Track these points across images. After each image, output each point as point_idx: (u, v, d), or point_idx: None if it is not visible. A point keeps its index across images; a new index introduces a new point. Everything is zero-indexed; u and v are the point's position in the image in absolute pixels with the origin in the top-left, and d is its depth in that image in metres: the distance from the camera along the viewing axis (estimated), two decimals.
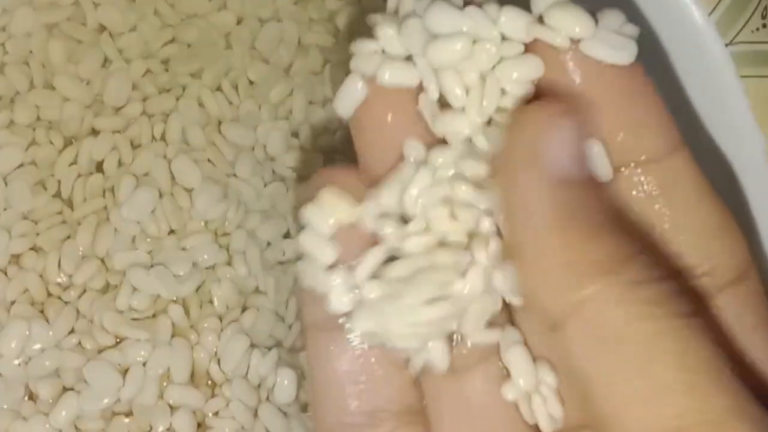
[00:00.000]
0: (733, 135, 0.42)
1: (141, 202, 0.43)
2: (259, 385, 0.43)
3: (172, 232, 0.43)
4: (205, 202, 0.43)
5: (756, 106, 0.41)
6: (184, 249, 0.43)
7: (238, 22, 0.47)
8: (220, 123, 0.45)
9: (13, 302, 0.41)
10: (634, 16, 0.43)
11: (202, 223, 0.43)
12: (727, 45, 0.43)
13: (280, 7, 0.47)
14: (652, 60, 0.44)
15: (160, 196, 0.43)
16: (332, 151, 0.46)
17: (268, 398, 0.42)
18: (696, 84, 0.43)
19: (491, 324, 0.29)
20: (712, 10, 0.45)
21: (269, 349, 0.42)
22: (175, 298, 0.42)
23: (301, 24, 0.47)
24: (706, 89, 0.43)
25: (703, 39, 0.42)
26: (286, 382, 0.42)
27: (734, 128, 0.42)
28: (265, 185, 0.44)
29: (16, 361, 0.41)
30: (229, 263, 0.43)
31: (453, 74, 0.29)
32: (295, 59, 0.46)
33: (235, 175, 0.44)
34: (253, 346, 0.42)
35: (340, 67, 0.46)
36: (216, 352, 0.42)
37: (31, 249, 0.42)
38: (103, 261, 0.42)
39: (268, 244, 0.44)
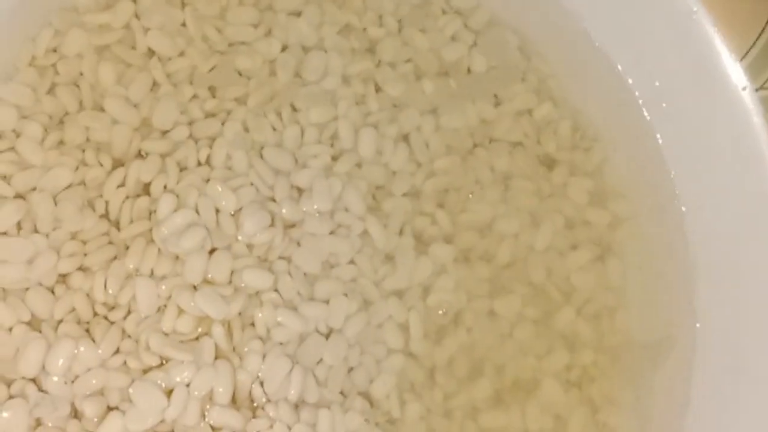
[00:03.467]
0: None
1: (182, 224, 0.43)
2: (297, 407, 0.43)
3: (213, 251, 0.43)
4: (252, 227, 0.43)
5: None
6: (229, 272, 0.43)
7: (283, 50, 0.47)
8: (262, 148, 0.45)
9: (60, 321, 0.42)
10: (668, 61, 0.45)
11: (246, 248, 0.43)
12: (757, 90, 0.44)
13: (324, 36, 0.47)
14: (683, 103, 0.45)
15: (201, 217, 0.43)
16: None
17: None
18: (726, 126, 0.44)
19: None
20: (743, 56, 0.47)
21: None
22: (221, 319, 0.42)
23: (344, 53, 0.47)
24: (735, 132, 0.44)
25: (733, 83, 0.44)
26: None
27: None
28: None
29: (63, 380, 0.41)
30: (273, 288, 0.43)
31: None
32: (338, 87, 0.47)
33: (274, 199, 0.44)
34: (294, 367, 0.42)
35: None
36: (258, 375, 0.42)
37: (79, 269, 0.42)
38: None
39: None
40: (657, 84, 0.47)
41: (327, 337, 0.44)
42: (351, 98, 0.47)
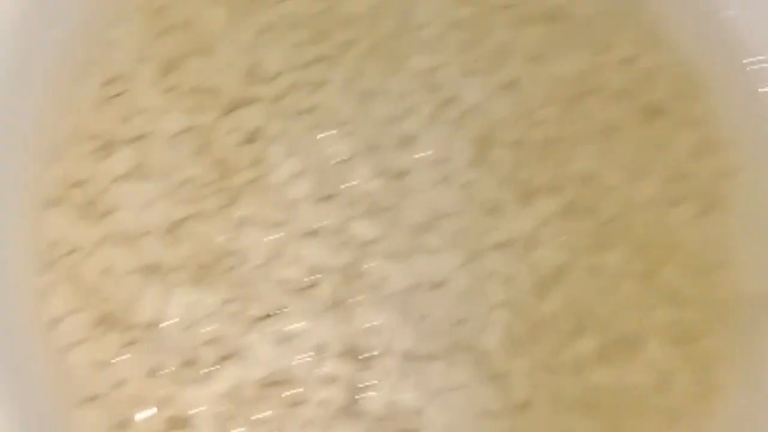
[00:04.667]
0: None
1: (293, 171, 0.42)
2: (406, 359, 0.42)
3: (323, 199, 0.42)
4: (362, 175, 0.42)
5: None
6: (340, 221, 0.42)
7: None
8: (370, 94, 0.45)
9: (175, 267, 0.41)
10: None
11: (356, 196, 0.43)
12: None
13: None
14: None
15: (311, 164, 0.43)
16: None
17: None
18: None
19: None
20: None
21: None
22: (333, 268, 0.41)
23: None
24: None
25: None
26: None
27: None
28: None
29: (179, 326, 0.41)
30: (382, 238, 0.43)
31: None
32: (444, 32, 0.46)
33: (381, 147, 0.44)
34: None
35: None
36: (368, 326, 0.42)
37: (193, 215, 0.42)
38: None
39: None
40: None
41: (435, 289, 0.43)
42: (458, 44, 0.46)
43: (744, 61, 0.47)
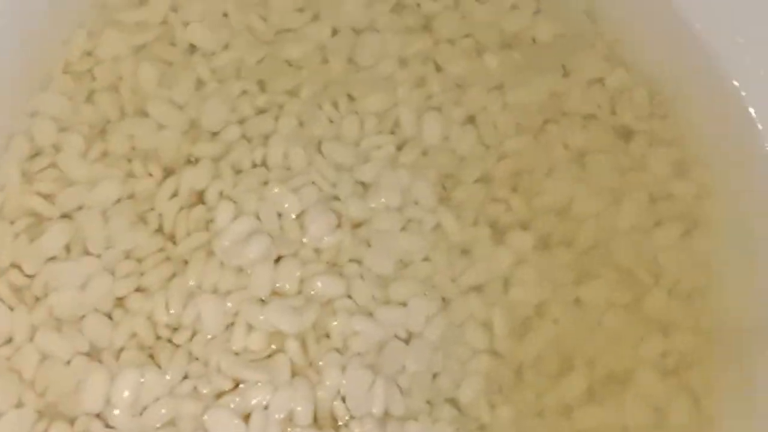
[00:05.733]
0: None
1: (243, 232, 0.40)
2: (383, 421, 0.40)
3: (279, 259, 0.40)
4: (318, 229, 0.40)
5: None
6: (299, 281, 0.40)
7: (333, 34, 0.44)
8: (320, 142, 0.42)
9: (121, 349, 0.39)
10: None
11: (314, 252, 0.40)
12: None
13: (376, 16, 0.44)
14: None
15: (262, 223, 0.40)
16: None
17: None
18: None
19: None
20: None
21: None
22: (294, 333, 0.39)
23: (398, 33, 0.44)
24: None
25: None
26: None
27: None
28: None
29: (130, 413, 0.38)
30: (346, 294, 0.40)
31: None
32: (395, 70, 0.43)
33: (338, 197, 0.41)
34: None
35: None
36: (339, 390, 0.39)
37: (136, 290, 0.39)
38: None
39: None
40: (740, 41, 0.43)
41: (407, 342, 0.41)
42: (410, 81, 0.44)
43: (715, 76, 0.44)
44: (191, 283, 0.39)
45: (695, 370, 0.43)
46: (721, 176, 0.45)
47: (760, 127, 0.43)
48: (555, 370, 0.42)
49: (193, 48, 0.42)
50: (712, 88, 0.44)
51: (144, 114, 0.41)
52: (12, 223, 0.40)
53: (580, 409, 0.41)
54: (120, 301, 0.39)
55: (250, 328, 0.39)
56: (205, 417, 0.38)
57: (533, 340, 0.42)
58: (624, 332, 0.42)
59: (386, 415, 0.40)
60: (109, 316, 0.39)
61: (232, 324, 0.39)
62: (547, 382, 0.41)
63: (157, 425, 0.38)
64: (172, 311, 0.39)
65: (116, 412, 0.38)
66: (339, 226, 0.41)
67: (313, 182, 0.41)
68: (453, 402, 0.41)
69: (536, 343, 0.42)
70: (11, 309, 0.39)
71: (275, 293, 0.40)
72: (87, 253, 0.39)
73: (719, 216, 0.45)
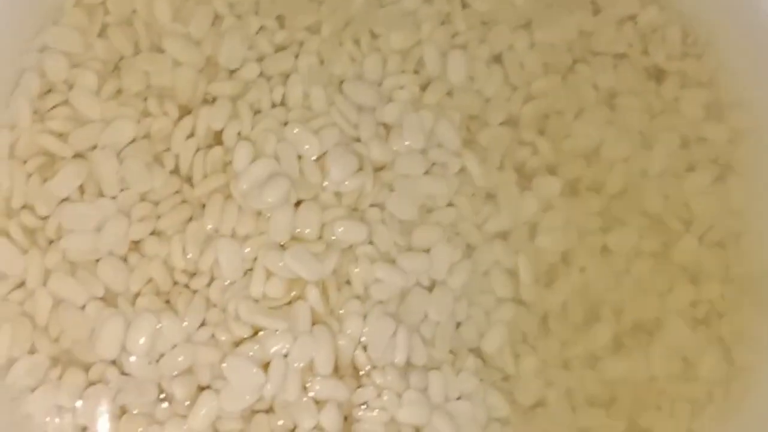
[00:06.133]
0: None
1: (262, 175, 0.38)
2: (405, 371, 0.39)
3: (299, 203, 0.39)
4: (340, 172, 0.39)
5: None
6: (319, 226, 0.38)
7: None
8: (341, 82, 0.41)
9: (137, 294, 0.38)
10: None
11: (335, 197, 0.39)
12: None
13: None
14: None
15: (282, 165, 0.39)
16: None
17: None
18: None
19: None
20: None
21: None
22: (315, 280, 0.38)
23: None
24: None
25: None
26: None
27: None
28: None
29: (147, 360, 0.37)
30: (368, 240, 0.39)
31: None
32: (419, 6, 0.42)
33: (359, 139, 0.40)
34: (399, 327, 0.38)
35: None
36: (360, 339, 0.38)
37: (153, 234, 0.38)
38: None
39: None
40: None
41: (430, 290, 0.40)
42: (435, 18, 0.42)
43: (752, 13, 0.43)
44: (209, 227, 0.38)
45: (726, 319, 0.42)
46: (756, 120, 0.44)
47: None
48: (581, 319, 0.41)
49: None
50: (748, 26, 0.43)
51: (159, 50, 0.40)
52: (24, 162, 0.39)
53: (607, 360, 0.41)
54: (135, 245, 0.38)
55: (269, 274, 0.38)
56: (224, 365, 0.37)
57: (559, 288, 0.41)
58: (652, 281, 0.42)
59: (408, 364, 0.39)
60: (125, 260, 0.38)
61: (251, 270, 0.38)
62: (572, 332, 0.41)
63: (174, 373, 0.37)
64: (189, 256, 0.38)
65: (132, 358, 0.37)
66: (360, 169, 0.39)
67: (334, 123, 0.40)
68: (476, 352, 0.40)
69: (562, 292, 0.41)
70: (24, 251, 0.38)
71: (295, 238, 0.39)
72: (101, 194, 0.38)
73: (753, 161, 0.43)
